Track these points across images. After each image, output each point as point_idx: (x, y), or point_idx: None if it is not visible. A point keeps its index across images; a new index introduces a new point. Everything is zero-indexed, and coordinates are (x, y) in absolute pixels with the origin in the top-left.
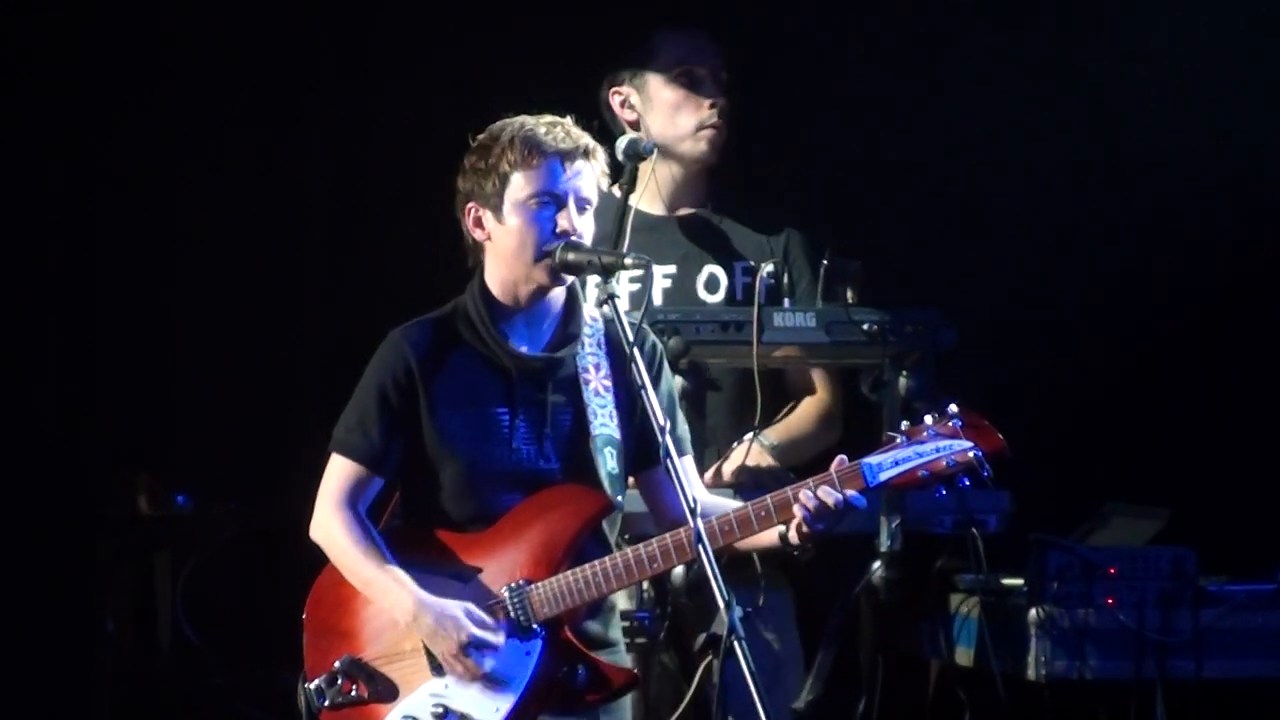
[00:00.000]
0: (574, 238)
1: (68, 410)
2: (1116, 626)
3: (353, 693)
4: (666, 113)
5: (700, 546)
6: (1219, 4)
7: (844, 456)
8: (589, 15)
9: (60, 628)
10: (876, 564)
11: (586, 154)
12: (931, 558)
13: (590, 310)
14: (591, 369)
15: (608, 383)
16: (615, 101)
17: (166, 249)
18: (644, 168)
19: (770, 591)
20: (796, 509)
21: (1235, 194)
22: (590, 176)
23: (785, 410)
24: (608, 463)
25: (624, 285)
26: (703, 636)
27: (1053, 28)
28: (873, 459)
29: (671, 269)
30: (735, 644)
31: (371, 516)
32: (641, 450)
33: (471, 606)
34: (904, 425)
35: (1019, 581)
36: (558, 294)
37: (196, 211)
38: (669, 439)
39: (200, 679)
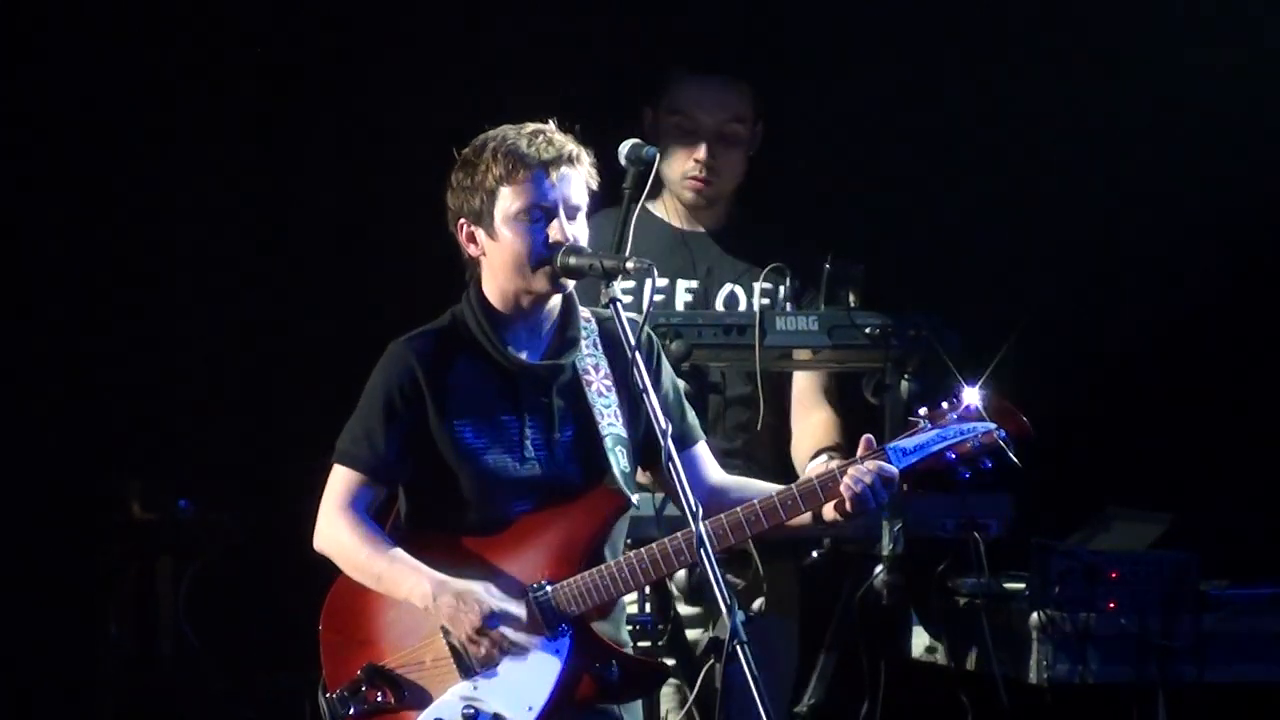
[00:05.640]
0: (571, 243)
1: (69, 415)
2: (1118, 631)
3: (379, 699)
4: (664, 152)
5: (702, 550)
6: (1219, 10)
7: (870, 437)
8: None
9: (63, 633)
10: (879, 568)
11: (571, 160)
12: (934, 562)
13: (585, 311)
14: (592, 370)
15: (608, 381)
16: (645, 119)
17: (166, 254)
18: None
19: (775, 617)
20: (843, 486)
21: (1238, 198)
22: (578, 182)
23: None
24: (620, 461)
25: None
26: (705, 640)
27: (1055, 35)
28: (898, 443)
29: (694, 284)
30: (737, 647)
31: None
32: (651, 444)
33: (490, 584)
34: (923, 411)
35: (1021, 585)
36: (555, 298)
37: (196, 215)
38: (669, 442)
39: (202, 683)
